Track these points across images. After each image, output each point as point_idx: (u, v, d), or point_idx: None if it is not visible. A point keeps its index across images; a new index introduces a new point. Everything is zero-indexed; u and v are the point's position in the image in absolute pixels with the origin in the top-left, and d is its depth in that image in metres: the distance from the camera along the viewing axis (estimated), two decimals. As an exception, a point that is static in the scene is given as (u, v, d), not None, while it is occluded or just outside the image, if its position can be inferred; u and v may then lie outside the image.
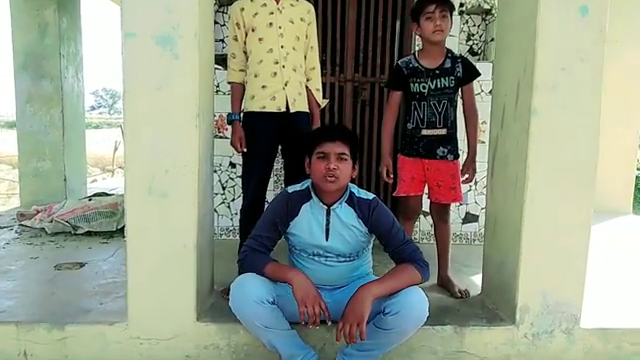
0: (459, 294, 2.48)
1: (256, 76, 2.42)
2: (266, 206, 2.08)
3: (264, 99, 2.42)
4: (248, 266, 1.88)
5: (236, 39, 2.46)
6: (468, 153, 2.62)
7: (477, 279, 2.69)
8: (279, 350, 1.87)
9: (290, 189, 1.99)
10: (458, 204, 3.33)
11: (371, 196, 1.96)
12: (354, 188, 1.98)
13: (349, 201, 1.94)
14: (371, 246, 2.07)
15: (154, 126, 1.96)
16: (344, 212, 1.93)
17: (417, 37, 3.53)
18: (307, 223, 1.93)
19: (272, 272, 1.82)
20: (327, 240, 1.92)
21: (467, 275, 2.86)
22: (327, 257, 1.96)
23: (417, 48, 3.16)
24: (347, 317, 1.70)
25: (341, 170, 1.85)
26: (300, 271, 1.83)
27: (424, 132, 2.52)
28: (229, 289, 2.22)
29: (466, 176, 2.62)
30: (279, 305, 1.82)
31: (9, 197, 7.95)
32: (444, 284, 2.60)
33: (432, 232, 2.78)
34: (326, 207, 1.92)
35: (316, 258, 1.96)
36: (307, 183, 1.99)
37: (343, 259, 1.97)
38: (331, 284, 1.99)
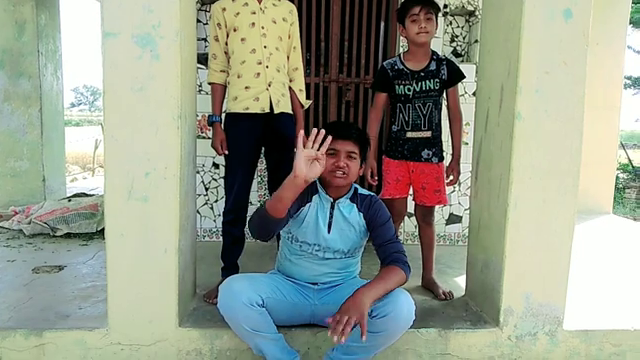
0: (443, 296, 2.48)
1: (239, 77, 2.38)
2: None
3: (247, 100, 2.38)
4: (255, 220, 1.79)
5: (217, 39, 2.42)
6: (452, 155, 2.63)
7: (461, 280, 2.70)
8: (265, 354, 1.86)
9: None
10: (442, 205, 3.33)
11: (372, 194, 2.03)
12: (358, 187, 2.03)
13: (353, 198, 1.97)
14: (363, 249, 2.08)
15: (134, 128, 1.91)
16: (347, 209, 1.96)
17: (402, 38, 3.54)
18: (315, 214, 1.94)
19: (271, 200, 1.72)
20: (329, 233, 1.94)
21: (451, 276, 2.87)
22: (325, 251, 1.95)
23: (402, 49, 3.16)
24: (347, 310, 1.63)
25: (350, 168, 1.89)
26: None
27: (409, 134, 2.52)
28: (213, 293, 2.21)
29: (450, 178, 2.62)
30: (268, 307, 1.81)
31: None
32: (428, 286, 2.60)
33: (416, 233, 2.78)
34: (331, 200, 1.95)
35: (313, 252, 1.95)
36: None
37: (339, 255, 1.98)
38: (319, 280, 1.99)
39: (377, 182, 2.60)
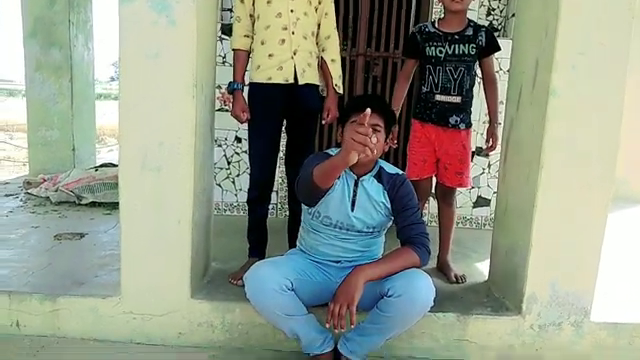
0: (454, 279, 2.41)
1: (262, 43, 2.25)
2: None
3: (270, 69, 2.25)
4: (302, 186, 1.78)
5: (242, 1, 2.28)
6: (490, 120, 2.55)
7: (484, 266, 2.60)
8: (300, 336, 1.82)
9: (327, 152, 1.92)
10: (470, 188, 3.22)
11: (400, 171, 1.94)
12: (384, 164, 1.93)
13: (377, 176, 1.89)
14: (387, 229, 2.00)
15: (149, 96, 1.87)
16: (372, 187, 1.87)
17: (434, 11, 3.39)
18: (340, 190, 1.86)
19: (318, 172, 1.67)
20: (353, 211, 1.87)
21: (474, 261, 2.77)
22: (348, 230, 1.89)
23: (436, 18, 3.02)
24: (337, 298, 1.65)
25: (374, 142, 1.77)
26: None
27: (438, 97, 2.43)
28: (239, 274, 2.16)
29: (490, 144, 2.54)
30: (297, 289, 1.76)
31: (24, 165, 8.00)
32: (442, 268, 2.53)
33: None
34: (355, 177, 1.87)
35: (336, 230, 1.89)
36: (337, 151, 1.89)
37: (362, 234, 1.91)
38: (341, 258, 1.93)
39: (397, 145, 2.47)
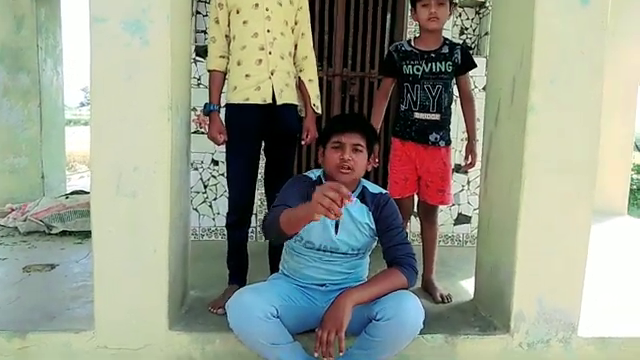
0: (440, 299, 2.37)
1: (239, 64, 2.21)
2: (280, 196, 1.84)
3: (247, 89, 2.20)
4: (268, 227, 1.69)
5: (217, 21, 2.24)
6: (468, 137, 2.55)
7: (468, 283, 2.57)
8: None
9: (307, 174, 1.90)
10: (450, 205, 3.21)
11: (383, 190, 1.90)
12: (367, 183, 1.90)
13: (361, 197, 1.84)
14: (371, 250, 1.95)
15: (122, 119, 1.81)
16: (356, 208, 1.82)
17: (409, 29, 3.42)
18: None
19: (285, 219, 1.60)
20: (336, 234, 1.81)
21: (458, 279, 2.74)
22: (332, 253, 1.83)
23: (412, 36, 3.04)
24: (325, 324, 1.59)
25: (356, 162, 1.77)
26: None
27: (417, 115, 2.43)
28: (218, 302, 2.08)
29: (469, 161, 2.54)
30: (282, 315, 1.69)
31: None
32: (427, 288, 2.48)
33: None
34: None
35: (320, 252, 1.84)
36: (318, 172, 1.90)
37: (347, 256, 1.86)
38: (326, 281, 1.87)
39: (378, 164, 2.49)
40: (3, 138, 4.47)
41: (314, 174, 1.91)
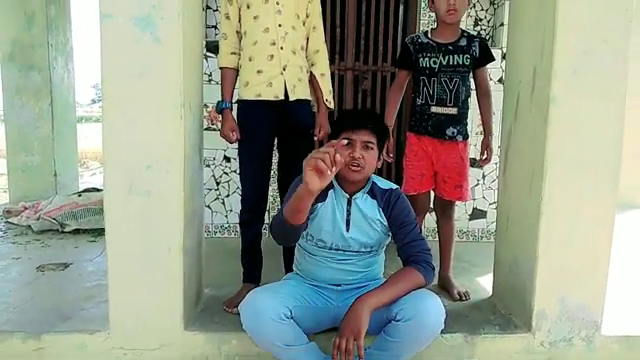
0: (457, 296, 2.32)
1: (250, 60, 2.17)
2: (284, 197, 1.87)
3: (259, 85, 2.16)
4: (275, 227, 1.67)
5: (228, 17, 2.20)
6: (484, 132, 2.49)
7: (486, 280, 2.53)
8: None
9: None
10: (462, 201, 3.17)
11: (394, 186, 1.84)
12: (377, 179, 1.84)
13: (371, 193, 1.80)
14: (386, 246, 1.91)
15: (135, 117, 1.78)
16: (366, 204, 1.78)
17: (422, 22, 3.36)
18: (332, 211, 1.77)
19: (287, 209, 1.58)
20: (348, 231, 1.77)
21: (475, 275, 2.69)
22: (345, 251, 1.80)
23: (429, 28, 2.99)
24: (343, 331, 1.54)
25: (366, 159, 1.71)
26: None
27: (433, 109, 2.37)
28: (233, 301, 2.05)
29: (485, 156, 2.49)
30: (297, 316, 1.66)
31: (4, 192, 7.78)
32: (444, 285, 2.44)
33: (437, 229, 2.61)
34: (347, 196, 1.78)
35: (332, 252, 1.80)
36: None
37: (361, 254, 1.82)
38: (342, 280, 1.84)
39: (393, 159, 2.45)
40: (15, 137, 4.49)
41: None
